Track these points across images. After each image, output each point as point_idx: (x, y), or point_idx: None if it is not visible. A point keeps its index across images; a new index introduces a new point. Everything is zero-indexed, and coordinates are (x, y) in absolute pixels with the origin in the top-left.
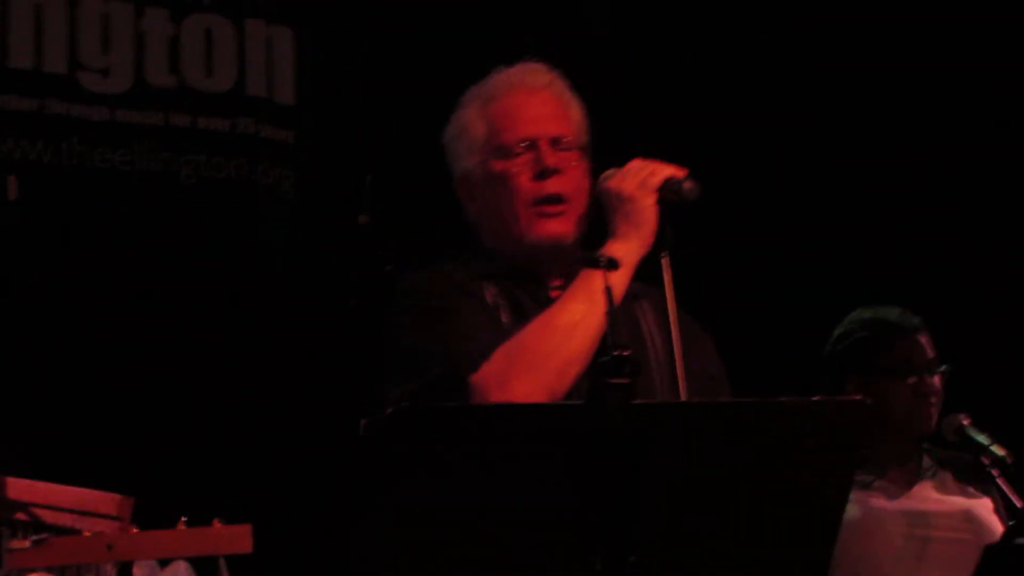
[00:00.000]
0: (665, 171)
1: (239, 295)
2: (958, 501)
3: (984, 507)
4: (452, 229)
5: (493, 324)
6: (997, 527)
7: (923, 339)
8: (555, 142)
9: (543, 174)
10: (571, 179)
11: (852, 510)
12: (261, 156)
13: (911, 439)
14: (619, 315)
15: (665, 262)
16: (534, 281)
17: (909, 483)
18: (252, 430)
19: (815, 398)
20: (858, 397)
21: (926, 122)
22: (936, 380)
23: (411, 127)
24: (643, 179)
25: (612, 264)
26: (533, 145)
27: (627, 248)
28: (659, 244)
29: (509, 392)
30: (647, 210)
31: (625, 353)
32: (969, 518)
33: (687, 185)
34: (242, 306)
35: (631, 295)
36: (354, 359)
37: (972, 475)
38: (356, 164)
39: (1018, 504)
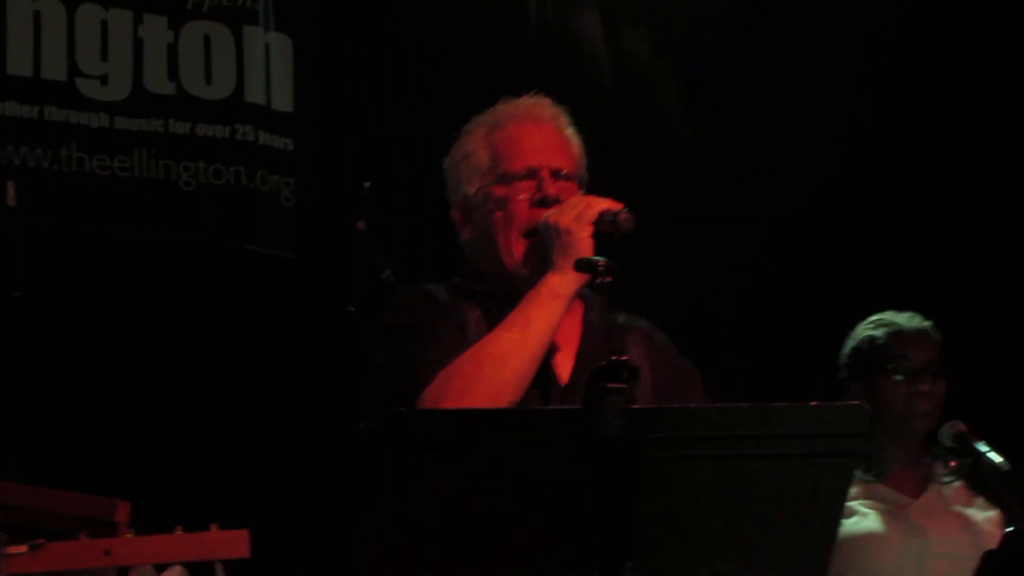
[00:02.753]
0: (601, 204)
1: (237, 301)
2: (963, 513)
3: (990, 521)
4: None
5: (467, 346)
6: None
7: (926, 341)
8: (555, 173)
9: (543, 202)
10: None
11: (855, 519)
12: (260, 163)
13: (911, 439)
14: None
15: (603, 291)
16: (515, 304)
17: (917, 490)
18: (250, 436)
19: (812, 403)
20: (855, 402)
21: (918, 123)
22: (935, 382)
23: (408, 133)
24: (579, 212)
25: (609, 269)
26: (535, 174)
27: (563, 280)
28: (595, 274)
29: None
30: (582, 242)
31: (623, 358)
32: (972, 531)
33: (622, 217)
34: (241, 312)
35: (622, 326)
36: (352, 365)
37: (983, 486)
38: (354, 171)
39: (1017, 511)
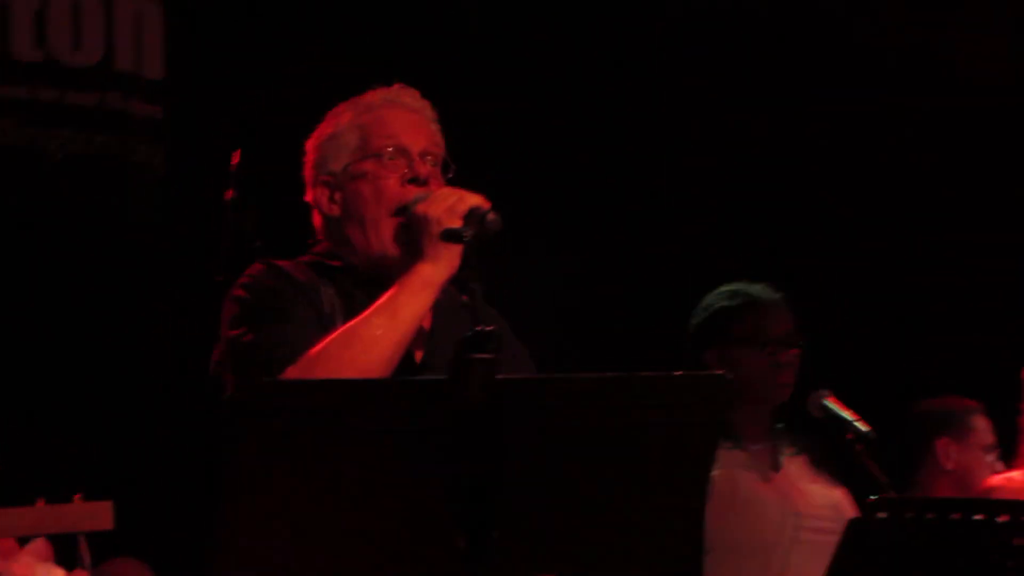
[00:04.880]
0: (472, 200)
1: (106, 271)
2: (824, 491)
3: (844, 499)
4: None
5: (323, 327)
6: None
7: (780, 312)
8: (423, 155)
9: (415, 180)
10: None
11: (725, 484)
12: (130, 131)
13: (765, 411)
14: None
15: (474, 286)
16: (377, 286)
17: (773, 462)
18: (115, 407)
19: (676, 372)
20: (719, 372)
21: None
22: (792, 352)
23: (280, 102)
24: (451, 204)
25: (477, 239)
26: (405, 152)
27: (434, 270)
28: (464, 268)
29: None
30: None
31: (488, 329)
32: (836, 508)
33: (490, 216)
34: (109, 282)
35: (463, 304)
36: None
37: (823, 462)
38: (225, 140)
39: (881, 479)
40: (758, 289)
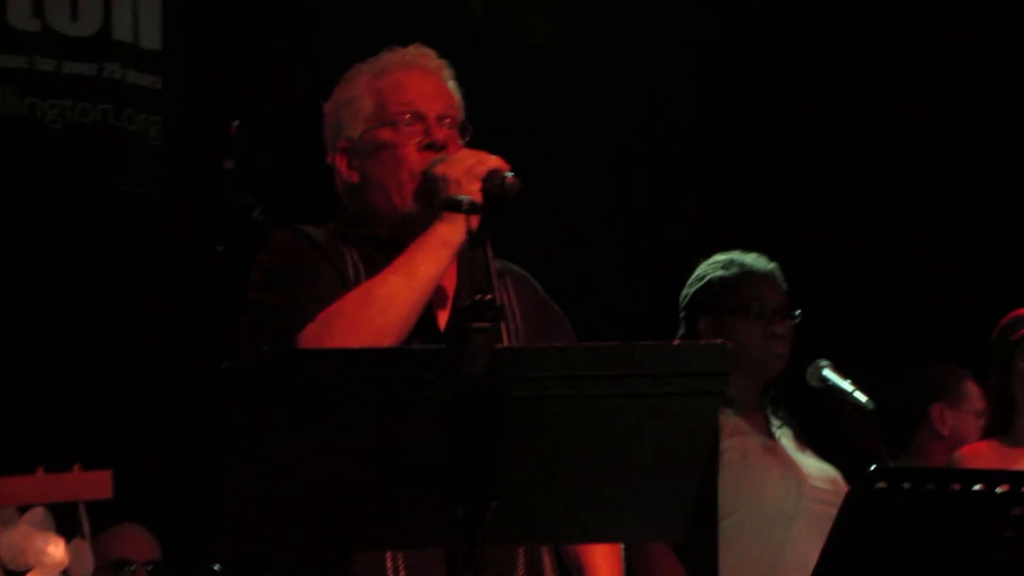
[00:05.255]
0: (491, 162)
1: (104, 241)
2: (814, 464)
3: (836, 472)
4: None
5: (347, 288)
6: None
7: (775, 282)
8: (441, 119)
9: (432, 146)
10: None
11: (736, 451)
12: (127, 101)
13: (760, 381)
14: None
15: (488, 248)
16: (398, 249)
17: (768, 432)
18: (115, 375)
19: (675, 342)
20: (718, 341)
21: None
22: (786, 323)
23: (278, 72)
24: (470, 166)
25: (474, 208)
26: (422, 118)
27: (452, 230)
28: (482, 231)
29: None
30: (472, 195)
31: (487, 297)
32: (834, 480)
33: (510, 180)
34: (108, 252)
35: (495, 272)
36: (220, 305)
37: (807, 439)
38: (223, 110)
39: (881, 449)
40: (752, 258)
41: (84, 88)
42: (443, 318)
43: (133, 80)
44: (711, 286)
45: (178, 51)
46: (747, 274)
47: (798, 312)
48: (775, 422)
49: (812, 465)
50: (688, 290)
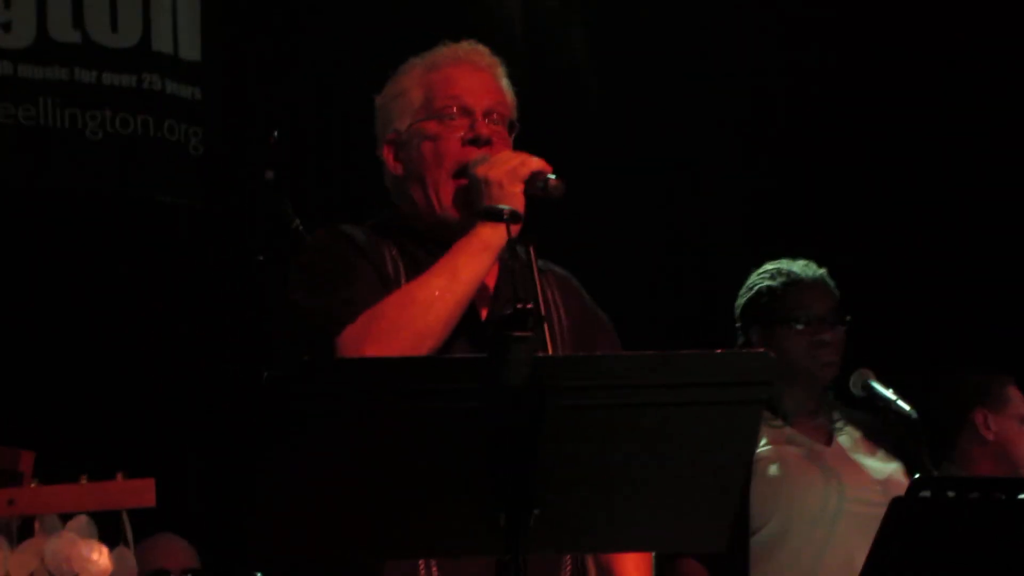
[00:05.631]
0: (534, 163)
1: (145, 252)
2: (875, 465)
3: (898, 472)
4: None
5: (386, 287)
6: None
7: (823, 289)
8: (488, 114)
9: (475, 141)
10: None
11: (769, 461)
12: (167, 112)
13: (812, 389)
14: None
15: (532, 252)
16: (440, 245)
17: (826, 438)
18: (158, 385)
19: (717, 351)
20: (760, 350)
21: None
22: (835, 331)
23: (316, 83)
24: (513, 167)
25: (515, 217)
26: (468, 112)
27: (494, 232)
28: (525, 234)
29: (361, 356)
30: (514, 197)
31: (528, 306)
32: (881, 481)
33: (553, 182)
34: (149, 263)
35: (539, 268)
36: (261, 315)
37: (881, 436)
38: (262, 120)
39: (924, 458)
40: (800, 266)
41: (124, 99)
42: (484, 311)
43: (173, 91)
44: (759, 296)
45: (217, 62)
46: (793, 283)
47: (848, 319)
48: (838, 426)
49: (870, 466)
50: (739, 301)
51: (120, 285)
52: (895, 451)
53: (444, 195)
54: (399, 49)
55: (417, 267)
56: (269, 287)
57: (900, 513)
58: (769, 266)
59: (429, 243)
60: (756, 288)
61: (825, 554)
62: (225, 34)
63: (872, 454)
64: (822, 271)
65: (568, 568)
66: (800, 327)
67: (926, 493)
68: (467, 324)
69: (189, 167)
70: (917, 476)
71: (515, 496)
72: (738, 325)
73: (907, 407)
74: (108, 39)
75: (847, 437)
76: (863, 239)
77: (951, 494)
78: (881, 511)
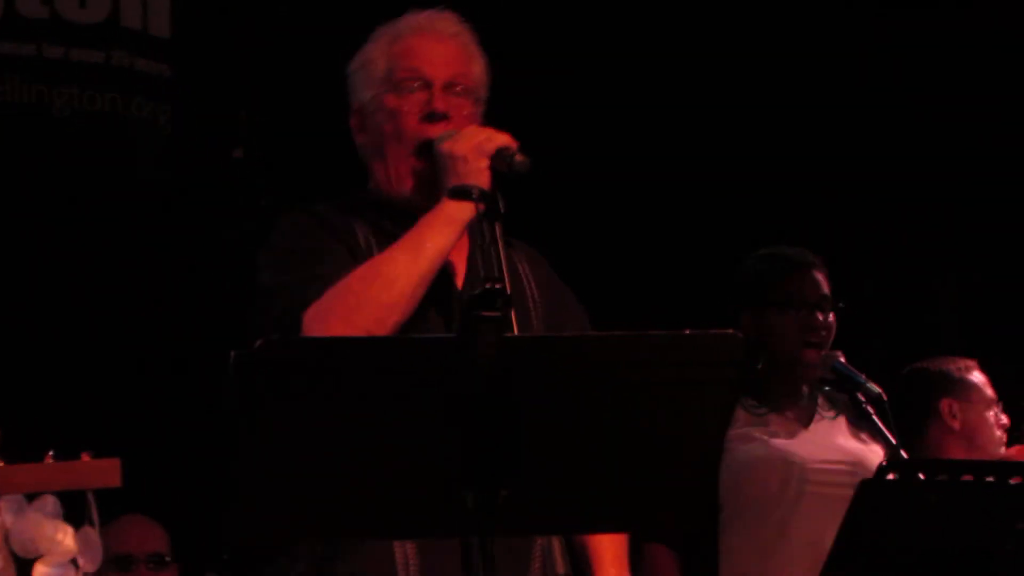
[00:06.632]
0: (500, 139)
1: (113, 229)
2: (847, 446)
3: (875, 454)
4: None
5: (356, 263)
6: None
7: (816, 275)
8: (449, 87)
9: (431, 116)
10: (457, 128)
11: (736, 443)
12: (136, 89)
13: (796, 372)
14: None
15: (498, 228)
16: (411, 218)
17: (804, 422)
18: (123, 363)
19: (686, 331)
20: (730, 331)
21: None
22: (826, 316)
23: (286, 61)
24: (478, 143)
25: (484, 197)
26: (428, 85)
27: (460, 207)
28: (491, 211)
29: (327, 331)
30: (480, 172)
31: (496, 286)
32: (856, 465)
33: (518, 158)
34: (116, 240)
35: (507, 243)
36: (228, 293)
37: (865, 421)
38: (231, 99)
39: (892, 440)
40: (794, 252)
41: (92, 76)
42: (459, 282)
43: (142, 68)
44: (751, 280)
45: (187, 39)
46: (785, 268)
47: (840, 305)
48: (823, 412)
49: (843, 448)
50: (730, 282)
51: (84, 263)
52: (879, 436)
53: (403, 172)
54: (374, 24)
55: (387, 239)
56: (238, 266)
57: (868, 495)
58: (762, 251)
59: (399, 217)
60: (749, 272)
61: (789, 535)
62: (195, 11)
63: (854, 437)
64: (816, 257)
65: (538, 552)
66: (792, 312)
67: (894, 475)
68: (442, 299)
69: (158, 145)
70: (885, 460)
71: (483, 476)
72: (728, 308)
73: (876, 389)
74: (76, 14)
75: (828, 420)
76: (848, 229)
77: (920, 476)
78: (850, 492)
